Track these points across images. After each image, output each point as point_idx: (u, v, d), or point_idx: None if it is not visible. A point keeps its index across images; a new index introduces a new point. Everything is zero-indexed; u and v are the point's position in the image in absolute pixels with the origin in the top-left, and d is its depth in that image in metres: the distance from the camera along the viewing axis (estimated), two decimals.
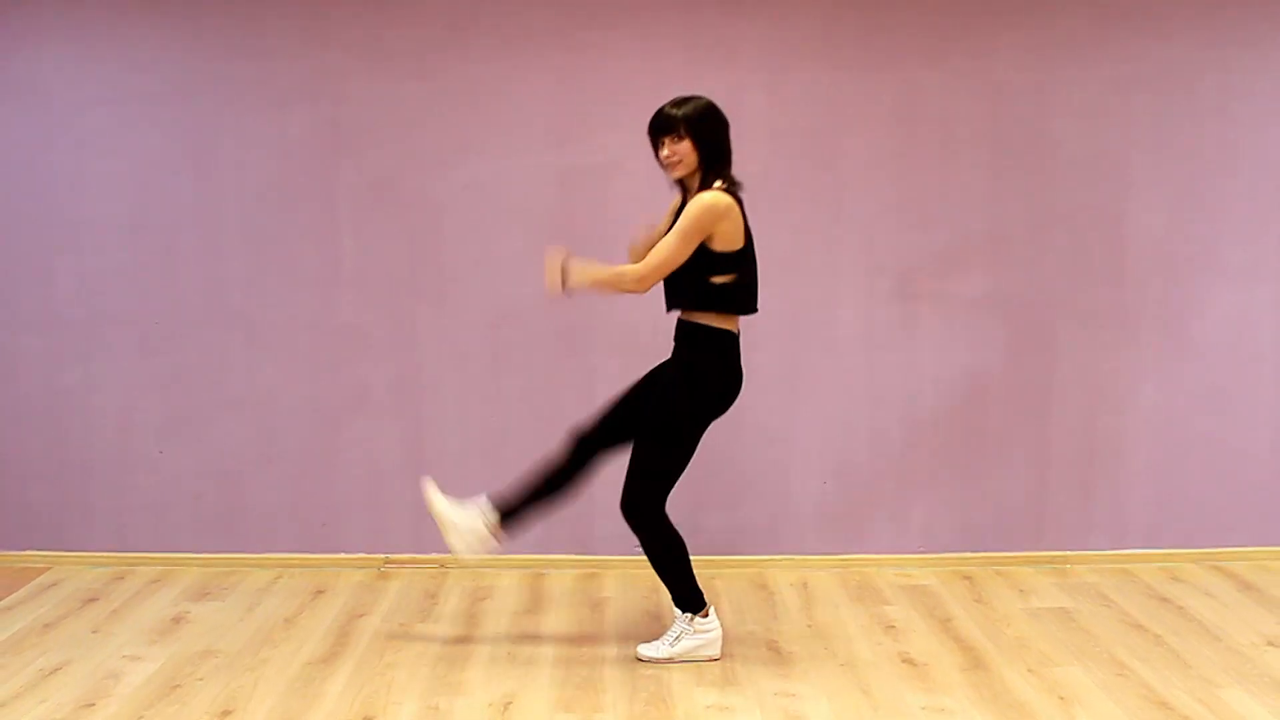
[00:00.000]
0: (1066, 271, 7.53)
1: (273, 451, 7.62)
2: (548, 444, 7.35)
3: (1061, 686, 5.81)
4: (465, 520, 6.15)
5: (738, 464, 7.54)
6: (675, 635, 6.10)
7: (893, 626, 6.65)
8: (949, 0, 7.39)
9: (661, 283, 5.93)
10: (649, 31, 7.39)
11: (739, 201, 5.84)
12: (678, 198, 6.08)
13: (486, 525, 6.14)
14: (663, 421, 5.92)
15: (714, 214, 5.70)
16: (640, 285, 5.78)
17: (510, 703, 5.67)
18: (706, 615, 6.14)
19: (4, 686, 5.85)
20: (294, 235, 7.49)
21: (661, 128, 5.84)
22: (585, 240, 7.08)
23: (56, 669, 6.06)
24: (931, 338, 7.57)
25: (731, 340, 5.95)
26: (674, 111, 5.82)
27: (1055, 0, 7.40)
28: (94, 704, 5.64)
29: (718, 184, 5.81)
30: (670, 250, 5.71)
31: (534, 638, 6.50)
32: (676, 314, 6.03)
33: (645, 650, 6.13)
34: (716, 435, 7.29)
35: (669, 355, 6.10)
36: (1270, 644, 6.35)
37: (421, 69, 7.39)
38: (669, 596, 6.25)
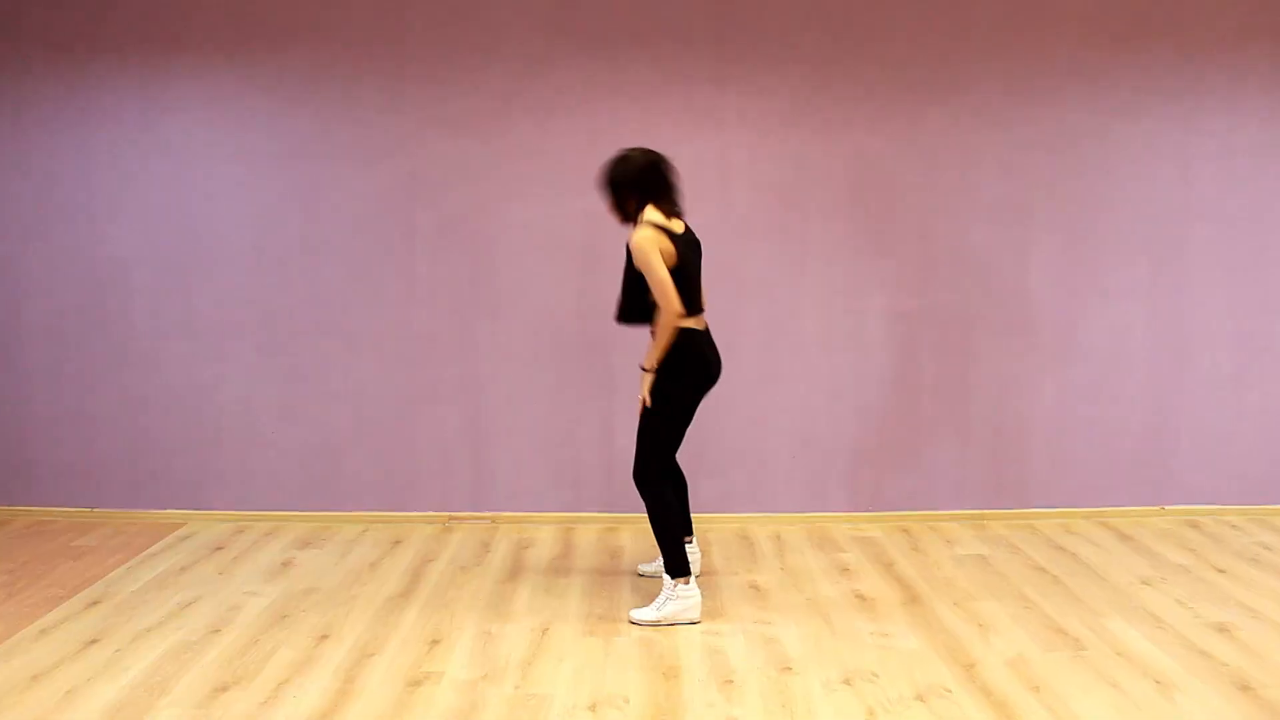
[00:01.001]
0: (982, 292, 7.45)
1: (362, 432, 7.54)
2: (575, 425, 7.27)
3: (980, 617, 5.77)
4: (670, 605, 5.77)
5: (726, 440, 7.46)
6: (663, 600, 5.79)
7: (847, 569, 6.58)
8: (890, 80, 7.33)
9: (621, 312, 5.84)
10: (657, 104, 7.32)
11: (660, 227, 5.56)
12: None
13: (678, 586, 5.78)
14: (655, 408, 5.72)
15: (644, 249, 5.48)
16: (677, 314, 5.52)
17: (547, 629, 5.63)
18: (688, 583, 5.81)
19: (150, 615, 5.81)
20: (380, 263, 7.41)
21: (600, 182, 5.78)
22: (605, 264, 7.04)
23: (191, 602, 6.01)
24: (876, 343, 7.48)
25: (692, 335, 5.68)
26: (602, 172, 5.74)
27: (973, 78, 7.34)
28: (220, 630, 5.60)
29: (644, 218, 5.59)
30: (657, 279, 5.46)
31: (566, 578, 6.42)
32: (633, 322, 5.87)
33: (636, 614, 5.78)
34: (708, 417, 7.26)
35: None
36: (1144, 583, 6.28)
37: (480, 132, 7.31)
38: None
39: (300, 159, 7.40)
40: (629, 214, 5.69)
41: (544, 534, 7.35)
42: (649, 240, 5.49)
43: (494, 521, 7.58)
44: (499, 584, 6.35)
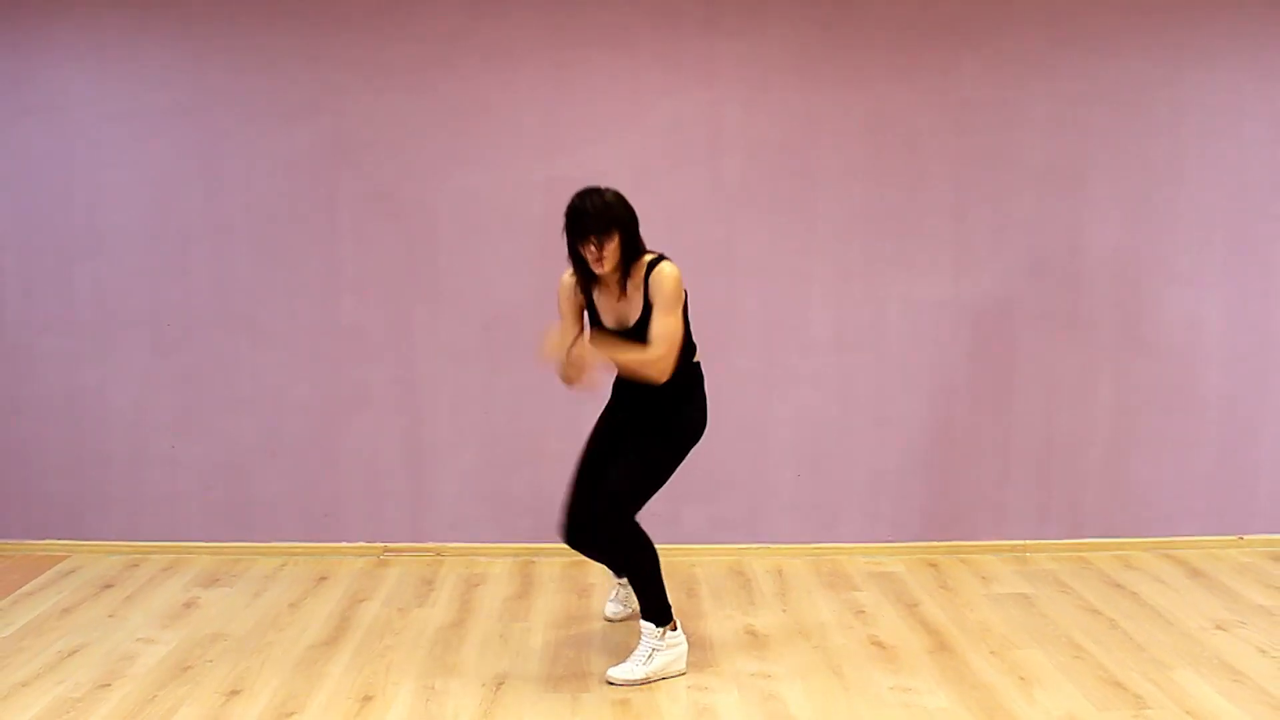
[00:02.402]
0: (1027, 276, 7.56)
1: (278, 446, 7.63)
2: (536, 438, 7.39)
3: (1021, 668, 5.84)
4: (658, 658, 5.91)
5: (716, 457, 7.51)
6: (648, 653, 5.84)
7: (862, 611, 6.67)
8: (916, 21, 7.42)
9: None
10: (632, 50, 7.41)
11: None
12: (567, 278, 5.95)
13: (665, 635, 5.94)
14: (660, 455, 5.85)
15: (680, 280, 5.66)
16: (665, 372, 5.67)
17: (502, 683, 5.70)
18: (675, 629, 5.92)
19: (25, 667, 5.87)
20: (298, 242, 7.50)
21: (592, 228, 5.59)
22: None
23: (74, 651, 6.07)
24: (899, 339, 7.59)
25: (701, 373, 5.98)
26: (603, 210, 5.61)
27: (1016, 21, 7.43)
28: (110, 684, 5.66)
29: (652, 253, 5.76)
30: (671, 325, 5.62)
31: (525, 621, 6.51)
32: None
33: (616, 673, 5.79)
34: None
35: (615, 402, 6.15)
36: (1218, 627, 6.37)
37: (417, 85, 7.40)
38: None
39: (201, 117, 7.46)
40: (635, 251, 5.74)
41: (497, 569, 7.45)
42: (679, 271, 5.71)
43: (437, 554, 7.67)
44: (444, 629, 6.42)
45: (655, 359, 5.62)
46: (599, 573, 7.29)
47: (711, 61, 7.43)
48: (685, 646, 5.92)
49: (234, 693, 5.58)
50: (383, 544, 7.68)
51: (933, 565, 7.48)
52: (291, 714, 5.36)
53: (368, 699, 5.52)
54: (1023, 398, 7.64)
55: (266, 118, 7.45)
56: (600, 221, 5.56)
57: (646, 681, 5.78)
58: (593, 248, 5.58)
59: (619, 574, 6.50)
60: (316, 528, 7.68)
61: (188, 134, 7.46)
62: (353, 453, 7.65)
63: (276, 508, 7.68)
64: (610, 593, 6.76)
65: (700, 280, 7.25)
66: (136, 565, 7.46)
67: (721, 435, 7.49)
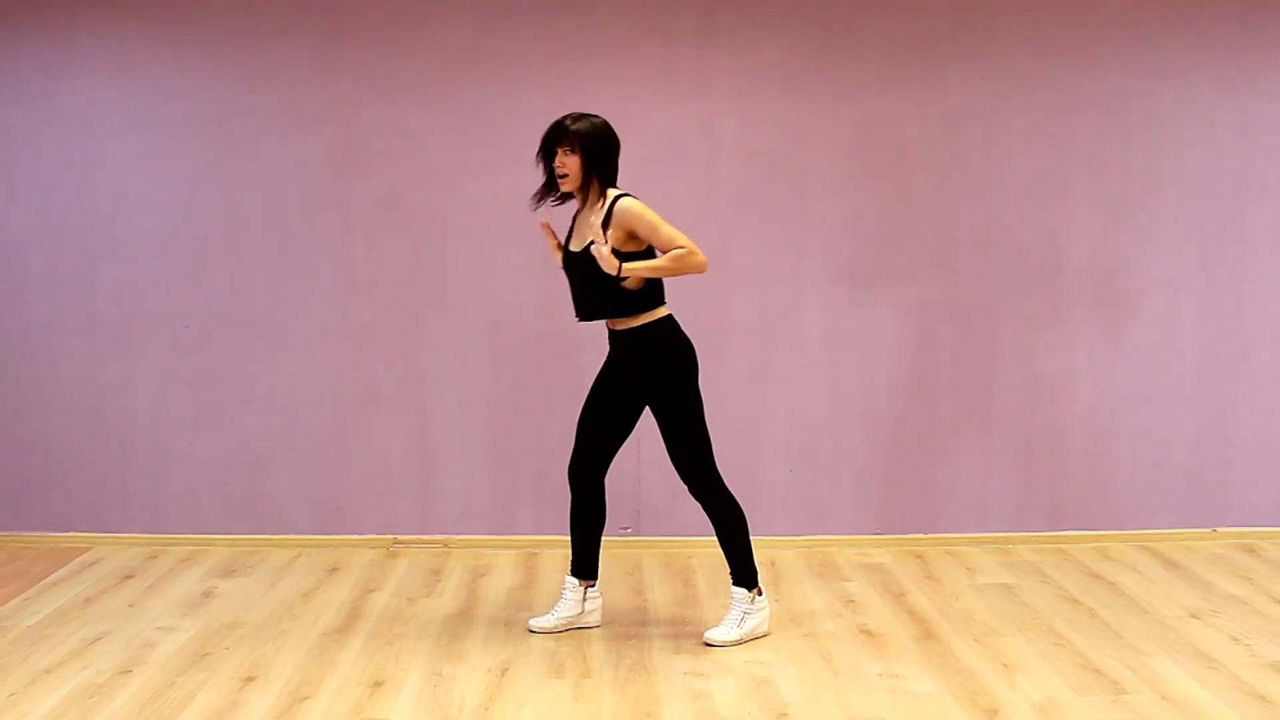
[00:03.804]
0: (1009, 279, 7.57)
1: (292, 442, 7.63)
2: (538, 436, 7.37)
3: (1004, 655, 5.84)
4: (571, 607, 6.21)
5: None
6: (740, 616, 6.01)
7: (852, 600, 6.67)
8: (903, 35, 7.43)
9: (579, 300, 5.98)
10: (631, 63, 7.43)
11: None
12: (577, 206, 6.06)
13: (585, 595, 6.23)
14: (676, 408, 5.91)
15: (644, 208, 5.74)
16: (703, 263, 5.70)
17: (506, 669, 5.69)
18: (761, 593, 6.07)
19: (50, 654, 5.86)
20: (311, 247, 7.50)
21: (555, 138, 5.81)
22: None
23: (97, 639, 6.07)
24: (887, 340, 7.59)
25: (673, 320, 5.94)
26: (569, 125, 5.78)
27: (998, 36, 7.45)
28: (130, 670, 5.65)
29: (618, 190, 5.87)
30: (668, 231, 5.69)
31: (528, 611, 6.49)
32: (591, 317, 5.98)
33: (714, 635, 5.98)
34: None
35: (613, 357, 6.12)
36: (1192, 616, 6.38)
37: (426, 96, 7.41)
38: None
39: (219, 127, 7.46)
40: (594, 181, 5.86)
41: (503, 560, 7.45)
42: (641, 202, 5.78)
43: (445, 546, 7.67)
44: (451, 618, 6.42)
45: (690, 261, 5.67)
46: (602, 563, 7.22)
47: (706, 74, 7.44)
48: (769, 609, 6.14)
49: (250, 678, 5.57)
50: (392, 536, 7.67)
51: (919, 556, 7.48)
52: (305, 698, 5.35)
53: (378, 684, 5.52)
54: (1005, 396, 7.65)
55: (281, 127, 7.45)
56: (570, 135, 5.78)
57: (740, 643, 5.96)
58: (558, 160, 5.82)
59: (573, 570, 6.33)
60: (329, 521, 7.68)
61: (206, 143, 7.46)
62: (363, 449, 7.65)
63: (291, 501, 7.68)
64: (563, 594, 6.39)
65: (697, 283, 7.24)
66: (156, 556, 7.46)
67: (717, 432, 7.47)
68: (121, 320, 7.58)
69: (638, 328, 5.84)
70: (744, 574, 6.04)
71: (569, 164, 5.78)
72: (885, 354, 7.61)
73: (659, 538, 7.59)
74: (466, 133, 7.45)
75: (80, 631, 6.18)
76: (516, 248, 7.37)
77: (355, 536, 7.68)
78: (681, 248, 5.66)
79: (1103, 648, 5.93)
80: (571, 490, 6.21)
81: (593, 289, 5.84)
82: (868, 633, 6.17)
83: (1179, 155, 7.56)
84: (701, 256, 5.67)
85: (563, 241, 6.09)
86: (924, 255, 7.56)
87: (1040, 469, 7.71)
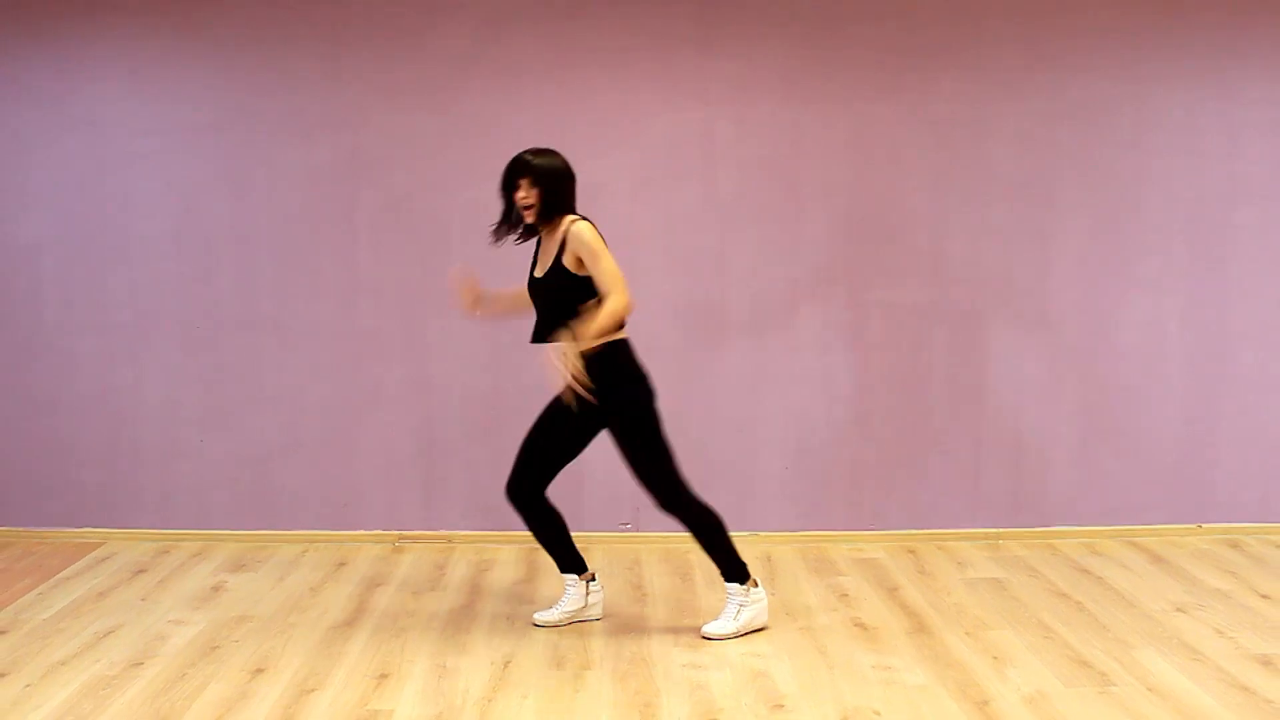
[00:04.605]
0: (999, 283, 7.58)
1: (299, 440, 7.64)
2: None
3: (995, 647, 5.84)
4: (575, 601, 6.23)
5: (709, 451, 7.57)
6: (735, 609, 6.01)
7: (846, 595, 6.67)
8: (897, 43, 7.44)
9: (543, 323, 5.98)
10: (630, 71, 7.44)
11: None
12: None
13: (585, 587, 6.27)
14: (636, 429, 5.91)
15: (596, 238, 5.76)
16: (630, 305, 5.70)
17: (509, 661, 5.70)
18: (756, 585, 6.08)
19: (64, 647, 5.87)
20: (318, 250, 7.52)
21: (516, 172, 5.85)
22: None
23: (110, 632, 6.08)
24: (880, 340, 7.60)
25: (628, 344, 5.92)
26: (530, 160, 5.83)
27: (989, 44, 7.46)
28: (142, 663, 5.66)
29: (568, 219, 5.87)
30: (609, 267, 5.70)
31: (531, 604, 6.50)
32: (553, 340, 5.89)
33: (711, 629, 6.00)
34: (690, 425, 7.32)
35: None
36: (1178, 610, 6.38)
37: (431, 104, 7.43)
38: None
39: (229, 133, 7.48)
40: (556, 211, 5.88)
41: (506, 555, 7.46)
42: (594, 230, 5.80)
43: (450, 541, 7.68)
44: (455, 611, 6.43)
45: (617, 307, 5.66)
46: (601, 558, 7.29)
47: (704, 81, 7.45)
48: (766, 600, 6.14)
49: (259, 670, 5.58)
50: (398, 532, 7.68)
51: (912, 552, 7.49)
52: (312, 690, 5.36)
53: (384, 676, 5.52)
54: (995, 395, 7.65)
55: (289, 133, 7.47)
56: (531, 169, 5.81)
57: (737, 635, 5.98)
58: (522, 193, 5.84)
59: (561, 568, 6.33)
60: (336, 517, 7.69)
61: (216, 148, 7.48)
62: (369, 447, 7.66)
63: (298, 498, 7.69)
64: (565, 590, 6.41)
65: (694, 284, 7.28)
66: (168, 551, 7.47)
67: (714, 430, 7.53)
68: (133, 321, 7.59)
69: (598, 351, 5.72)
70: (733, 571, 6.05)
71: (531, 196, 5.81)
72: (879, 354, 7.62)
73: (658, 533, 7.57)
74: (470, 139, 7.46)
75: (93, 625, 6.19)
76: (519, 251, 7.35)
77: (361, 532, 7.69)
78: (610, 292, 5.67)
79: (1091, 640, 5.92)
80: (516, 509, 6.15)
81: (558, 313, 5.85)
82: (861, 626, 6.17)
83: (1166, 160, 7.56)
84: (625, 299, 5.67)
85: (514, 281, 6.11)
86: (916, 258, 7.56)
87: (1030, 466, 7.71)
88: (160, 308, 7.58)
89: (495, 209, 7.12)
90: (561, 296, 5.83)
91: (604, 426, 5.97)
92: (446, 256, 7.44)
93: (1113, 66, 7.51)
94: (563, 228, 5.81)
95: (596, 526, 7.62)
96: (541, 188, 5.80)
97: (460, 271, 6.11)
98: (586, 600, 6.25)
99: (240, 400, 7.64)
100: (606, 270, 5.69)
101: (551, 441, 6.09)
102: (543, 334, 5.96)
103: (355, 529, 7.70)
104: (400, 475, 7.67)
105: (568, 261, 5.77)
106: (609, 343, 5.76)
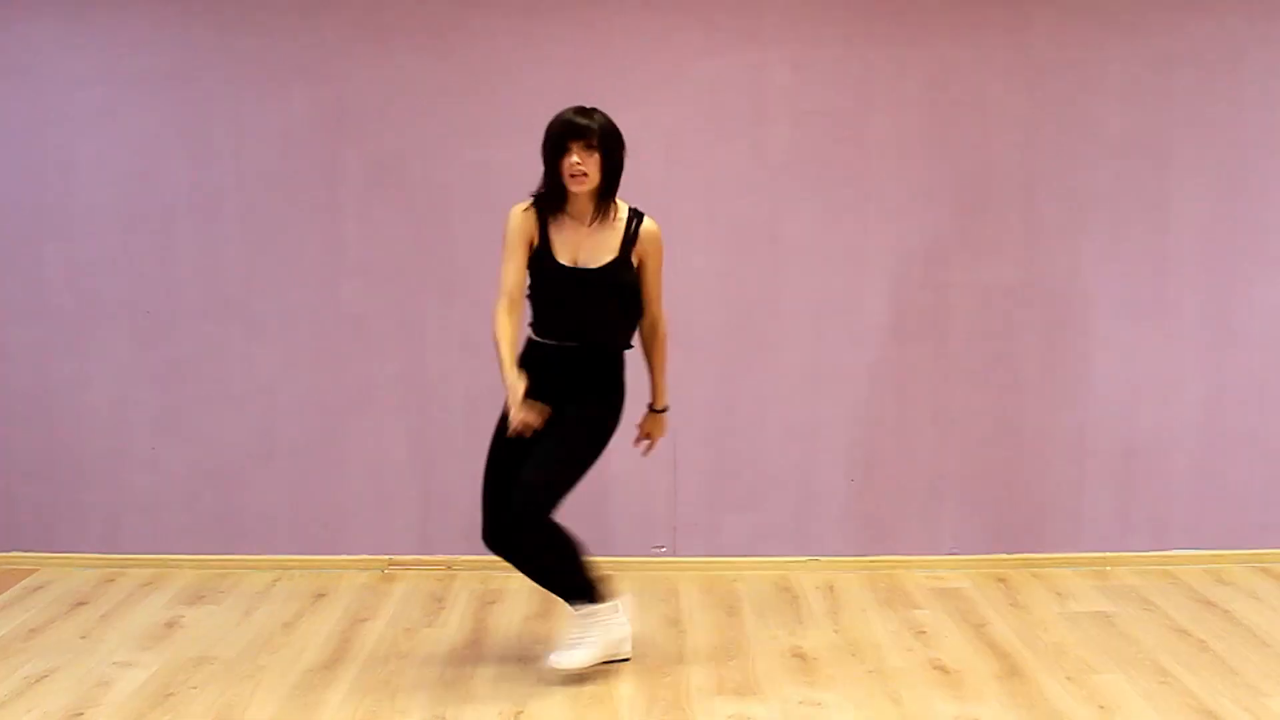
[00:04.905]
0: (1105, 259, 7.52)
1: (272, 449, 7.62)
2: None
3: (1101, 695, 5.79)
4: (610, 631, 6.13)
5: (759, 461, 7.55)
6: (584, 630, 5.94)
7: (923, 631, 6.64)
8: None
9: (583, 318, 5.95)
10: (666, 7, 7.38)
11: None
12: (518, 209, 5.97)
13: (613, 614, 6.17)
14: (591, 433, 5.93)
15: (661, 247, 6.04)
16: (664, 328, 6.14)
17: (521, 712, 5.66)
18: (616, 610, 6.08)
19: None
20: (295, 222, 7.49)
21: (573, 132, 5.74)
22: None
23: (43, 676, 6.05)
24: (963, 328, 7.55)
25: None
26: (591, 120, 5.77)
27: None
28: (82, 713, 5.62)
29: (630, 206, 6.00)
30: (660, 285, 6.04)
31: (546, 644, 6.45)
32: (581, 339, 5.95)
33: (559, 659, 5.91)
34: (736, 431, 7.29)
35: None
36: None
37: (427, 47, 7.39)
38: (563, 604, 6.18)
39: (188, 84, 7.44)
40: (615, 190, 5.92)
41: (515, 584, 7.37)
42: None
43: (449, 568, 7.65)
44: (456, 652, 6.39)
45: (664, 330, 6.16)
46: (630, 589, 7.21)
47: (755, 18, 7.39)
48: (629, 629, 6.16)
49: None
50: (388, 557, 7.66)
51: (1001, 580, 7.45)
52: None
53: None
54: (1101, 393, 7.60)
55: (259, 82, 7.43)
56: (592, 131, 5.73)
57: (594, 664, 5.96)
58: (575, 158, 5.72)
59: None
60: (314, 539, 7.67)
61: (171, 101, 7.45)
62: (355, 456, 7.63)
63: (269, 517, 7.67)
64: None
65: (741, 263, 7.22)
66: (113, 580, 7.46)
67: (766, 437, 7.48)
68: (74, 307, 7.57)
69: (617, 353, 6.00)
70: (582, 590, 6.02)
71: (589, 163, 5.74)
72: (962, 344, 7.57)
73: (698, 558, 7.57)
74: (475, 88, 7.42)
75: (24, 668, 6.16)
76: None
77: (345, 557, 7.67)
78: (659, 311, 6.11)
79: (1216, 686, 5.87)
80: (504, 556, 6.12)
81: (601, 313, 5.94)
82: (942, 669, 6.13)
83: None
84: (665, 330, 6.17)
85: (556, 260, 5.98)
86: (1006, 229, 7.51)
87: (1143, 478, 7.66)
88: (106, 291, 7.56)
89: (502, 173, 7.11)
90: (615, 296, 5.93)
91: (574, 413, 5.95)
92: (445, 229, 7.41)
93: (1239, 1, 7.43)
94: (620, 215, 5.92)
95: (627, 551, 7.59)
96: (604, 155, 5.77)
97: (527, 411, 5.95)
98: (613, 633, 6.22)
99: (201, 401, 7.62)
100: (660, 284, 6.04)
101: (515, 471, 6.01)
102: (577, 333, 5.94)
103: (337, 553, 7.68)
104: (392, 490, 7.64)
105: (634, 256, 5.92)
106: (618, 350, 6.03)
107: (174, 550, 7.66)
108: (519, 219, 5.92)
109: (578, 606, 6.00)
